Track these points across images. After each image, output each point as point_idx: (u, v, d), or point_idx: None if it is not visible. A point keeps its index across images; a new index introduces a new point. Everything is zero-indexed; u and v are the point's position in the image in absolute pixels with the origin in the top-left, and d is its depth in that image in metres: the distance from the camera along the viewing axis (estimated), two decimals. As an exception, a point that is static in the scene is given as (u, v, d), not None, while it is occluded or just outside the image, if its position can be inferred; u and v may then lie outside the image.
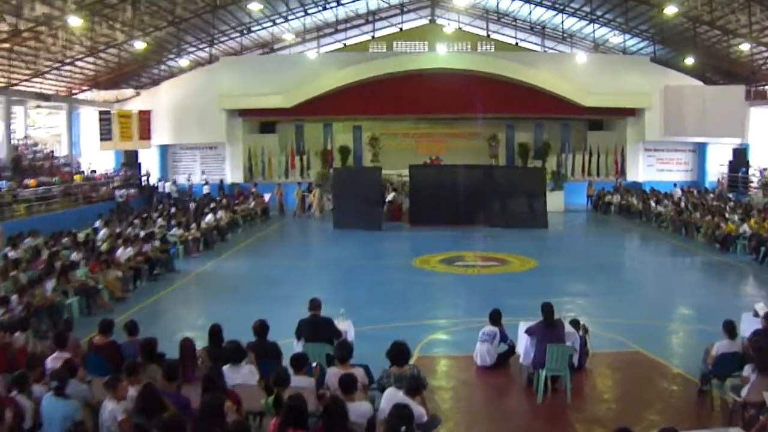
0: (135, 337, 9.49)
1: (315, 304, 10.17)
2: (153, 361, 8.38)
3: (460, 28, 45.30)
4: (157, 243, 19.58)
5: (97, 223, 22.25)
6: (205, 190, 35.99)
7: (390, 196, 30.13)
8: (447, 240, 24.31)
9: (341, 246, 24.03)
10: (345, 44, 45.82)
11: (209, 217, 24.58)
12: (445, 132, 41.48)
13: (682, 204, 27.99)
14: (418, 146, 41.17)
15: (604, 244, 24.85)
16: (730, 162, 36.33)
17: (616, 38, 38.69)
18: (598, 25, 38.54)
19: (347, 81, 36.06)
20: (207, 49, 38.39)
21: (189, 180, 37.75)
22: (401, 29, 46.24)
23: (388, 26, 46.00)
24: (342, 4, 39.81)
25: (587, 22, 38.79)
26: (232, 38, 39.29)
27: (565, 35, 41.56)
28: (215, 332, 9.02)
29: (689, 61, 34.55)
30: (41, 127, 39.69)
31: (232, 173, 38.44)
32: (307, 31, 42.87)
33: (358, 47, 44.94)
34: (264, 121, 40.21)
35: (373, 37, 46.11)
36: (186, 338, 8.58)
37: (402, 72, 36.14)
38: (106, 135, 34.38)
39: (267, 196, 33.05)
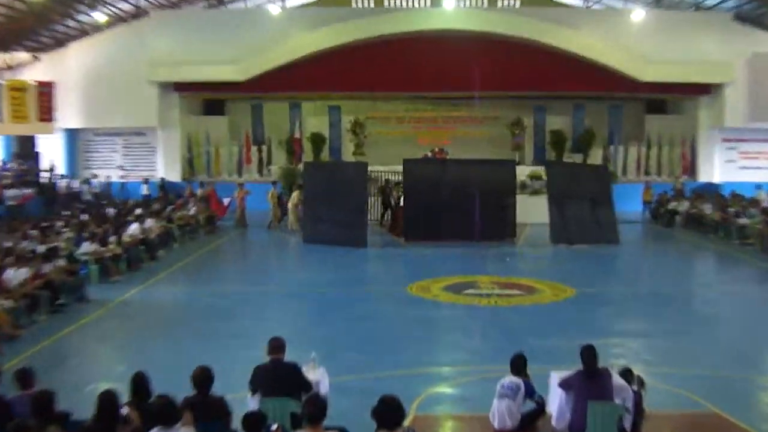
0: (30, 390, 9.41)
1: (276, 346, 10.09)
2: (51, 421, 8.29)
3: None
4: (62, 262, 19.43)
5: (-23, 236, 22.12)
6: (144, 190, 35.85)
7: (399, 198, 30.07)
8: (454, 260, 24.31)
9: (313, 267, 23.95)
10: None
11: (133, 228, 24.50)
12: (452, 116, 41.66)
13: (774, 213, 28.13)
14: (417, 135, 41.32)
15: (666, 266, 24.88)
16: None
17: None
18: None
19: (322, 46, 36.22)
20: None
21: (108, 177, 37.72)
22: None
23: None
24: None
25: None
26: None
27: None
28: (139, 383, 8.92)
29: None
30: None
31: (166, 168, 38.54)
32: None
33: (337, 1, 45.12)
34: (210, 98, 40.30)
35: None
36: (106, 391, 8.46)
37: (395, 35, 36.33)
38: (-10, 115, 34.33)
39: (226, 201, 33.01)
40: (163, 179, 37.51)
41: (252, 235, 30.77)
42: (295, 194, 31.45)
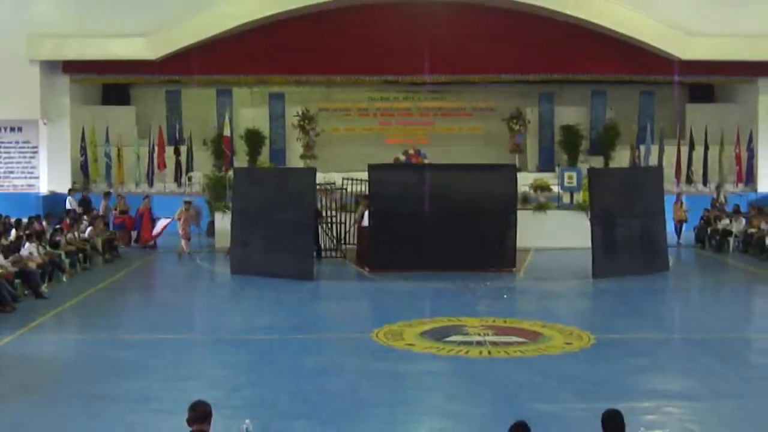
0: None
1: (200, 413, 9.94)
2: None
3: None
4: None
5: None
6: (70, 204, 35.29)
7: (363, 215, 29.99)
8: (434, 297, 24.35)
9: (245, 307, 23.84)
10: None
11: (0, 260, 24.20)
12: (431, 106, 41.90)
13: None
14: (385, 132, 41.40)
15: (717, 304, 25.00)
16: None
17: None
18: None
19: (259, 14, 36.25)
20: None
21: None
22: None
23: None
24: None
25: None
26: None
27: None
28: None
29: None
30: None
31: (52, 175, 38.20)
32: None
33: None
34: (110, 82, 40.17)
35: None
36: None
37: (357, 0, 36.27)
38: None
39: (162, 223, 32.72)
40: (79, 193, 36.76)
41: (164, 265, 30.56)
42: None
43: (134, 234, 34.37)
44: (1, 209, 33.65)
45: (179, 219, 31.90)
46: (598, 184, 28.41)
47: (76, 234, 30.05)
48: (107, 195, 35.06)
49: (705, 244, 33.53)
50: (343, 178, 32.81)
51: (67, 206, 35.02)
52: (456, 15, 36.25)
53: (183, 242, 31.76)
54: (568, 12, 35.95)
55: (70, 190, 36.17)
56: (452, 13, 36.25)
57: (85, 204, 35.57)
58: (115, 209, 34.52)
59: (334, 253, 30.82)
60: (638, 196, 28.28)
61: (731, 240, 32.85)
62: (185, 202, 32.70)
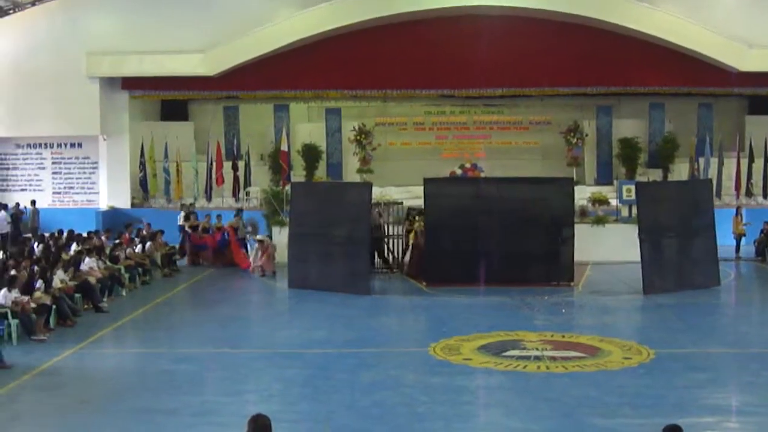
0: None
1: (260, 426, 9.97)
2: None
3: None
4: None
5: None
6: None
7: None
8: (491, 311, 24.22)
9: (303, 321, 23.83)
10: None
11: (59, 273, 24.33)
12: (487, 120, 41.92)
13: None
14: (441, 146, 41.42)
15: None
16: None
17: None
18: None
19: (316, 30, 36.41)
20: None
21: (32, 205, 37.59)
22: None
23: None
24: None
25: None
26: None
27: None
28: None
29: None
30: None
31: (111, 191, 38.54)
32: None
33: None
34: (169, 99, 40.45)
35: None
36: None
37: (412, 15, 36.46)
38: None
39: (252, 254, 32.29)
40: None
41: (222, 280, 30.65)
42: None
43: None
44: (62, 224, 34.04)
45: (261, 254, 31.20)
46: (647, 198, 27.99)
47: (133, 248, 30.25)
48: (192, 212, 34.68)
49: (765, 257, 33.11)
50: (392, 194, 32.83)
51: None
52: (511, 28, 36.18)
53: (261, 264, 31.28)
54: (625, 24, 35.78)
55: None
56: (508, 27, 36.17)
57: (15, 221, 35.60)
58: (191, 226, 33.87)
59: (392, 268, 30.73)
60: (688, 210, 28.04)
61: (792, 254, 32.50)
62: (259, 241, 31.79)
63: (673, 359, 19.36)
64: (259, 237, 31.68)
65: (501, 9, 36.00)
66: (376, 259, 30.26)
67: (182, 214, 34.17)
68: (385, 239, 30.68)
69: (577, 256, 28.38)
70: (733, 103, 40.53)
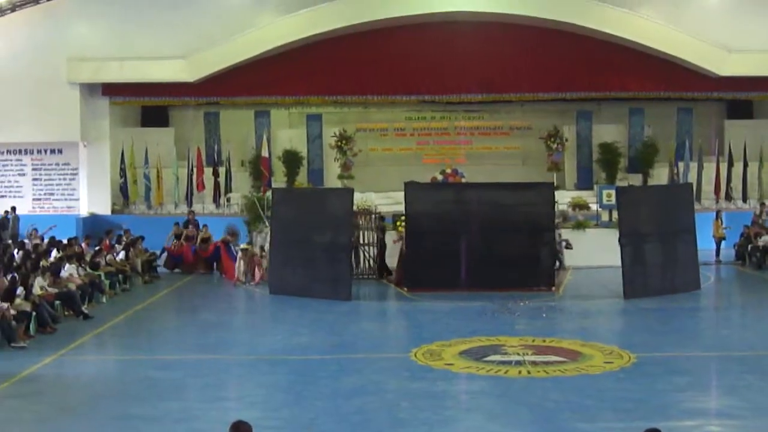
0: None
1: (239, 433, 9.98)
2: None
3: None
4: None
5: None
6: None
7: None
8: (472, 316, 24.18)
9: (284, 327, 23.83)
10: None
11: (39, 280, 24.24)
12: (468, 125, 41.97)
13: None
14: (422, 151, 41.43)
15: (756, 322, 24.72)
16: None
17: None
18: None
19: (297, 35, 36.49)
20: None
21: (12, 211, 37.43)
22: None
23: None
24: None
25: None
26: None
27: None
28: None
29: None
30: None
31: (92, 198, 38.49)
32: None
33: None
34: (149, 105, 40.36)
35: (342, -44, 46.47)
36: None
37: (393, 21, 36.49)
38: None
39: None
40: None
41: (204, 286, 30.59)
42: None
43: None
44: (42, 230, 33.93)
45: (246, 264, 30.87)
46: (627, 203, 28.08)
47: (113, 255, 30.18)
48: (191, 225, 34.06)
49: (745, 261, 33.23)
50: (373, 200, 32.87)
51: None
52: (492, 34, 36.25)
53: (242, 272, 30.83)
54: (605, 29, 35.86)
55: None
56: (488, 32, 36.23)
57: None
58: (182, 238, 33.28)
59: (372, 274, 30.72)
60: (668, 214, 28.03)
61: (773, 256, 32.60)
62: (242, 250, 31.20)
63: (655, 363, 19.39)
64: (242, 246, 31.46)
65: (481, 15, 36.05)
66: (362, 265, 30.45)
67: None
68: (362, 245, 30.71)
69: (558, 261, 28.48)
70: (713, 107, 40.66)
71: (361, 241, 30.47)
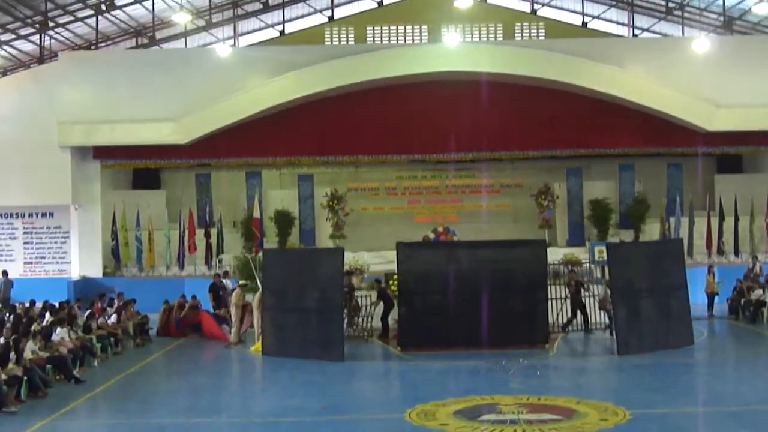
0: None
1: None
2: None
3: (483, 0, 46.18)
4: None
5: None
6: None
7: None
8: (466, 375, 24.12)
9: (276, 389, 23.76)
10: (282, 32, 46.45)
11: (30, 344, 24.10)
12: (459, 184, 42.17)
13: None
14: (414, 210, 41.49)
15: (751, 377, 24.65)
16: None
17: (763, 6, 39.11)
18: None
19: (287, 98, 36.64)
20: (35, 38, 38.68)
21: (3, 275, 37.37)
22: (380, 4, 47.05)
23: (358, -3, 46.74)
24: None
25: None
26: (80, 19, 39.64)
27: (671, 5, 42.41)
28: None
29: None
30: None
31: (83, 261, 38.41)
32: (216, 7, 43.53)
33: (305, 36, 45.75)
34: (141, 167, 40.39)
35: (331, 18, 46.85)
36: None
37: (383, 81, 36.73)
38: None
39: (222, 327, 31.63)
40: None
41: (196, 349, 30.46)
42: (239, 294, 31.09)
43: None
44: (33, 294, 33.77)
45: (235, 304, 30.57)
46: (619, 259, 27.97)
47: (104, 318, 30.07)
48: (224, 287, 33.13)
49: (738, 315, 33.16)
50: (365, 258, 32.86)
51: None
52: (481, 93, 36.32)
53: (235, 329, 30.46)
54: (594, 87, 36.06)
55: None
56: (477, 92, 36.31)
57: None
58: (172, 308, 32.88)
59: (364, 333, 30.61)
60: (660, 270, 27.97)
61: (765, 311, 32.41)
62: (240, 285, 31.13)
63: (650, 420, 19.28)
64: (240, 282, 31.16)
65: (470, 74, 36.25)
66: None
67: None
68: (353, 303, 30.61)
69: (551, 318, 28.38)
70: (703, 162, 40.76)
71: (353, 302, 30.42)
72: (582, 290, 30.38)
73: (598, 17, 47.56)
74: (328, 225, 40.37)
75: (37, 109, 36.57)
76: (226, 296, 31.91)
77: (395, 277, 29.45)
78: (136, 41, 44.15)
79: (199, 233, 39.52)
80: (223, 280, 33.45)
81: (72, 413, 21.06)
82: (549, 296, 29.01)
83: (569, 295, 30.49)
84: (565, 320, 30.28)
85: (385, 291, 30.44)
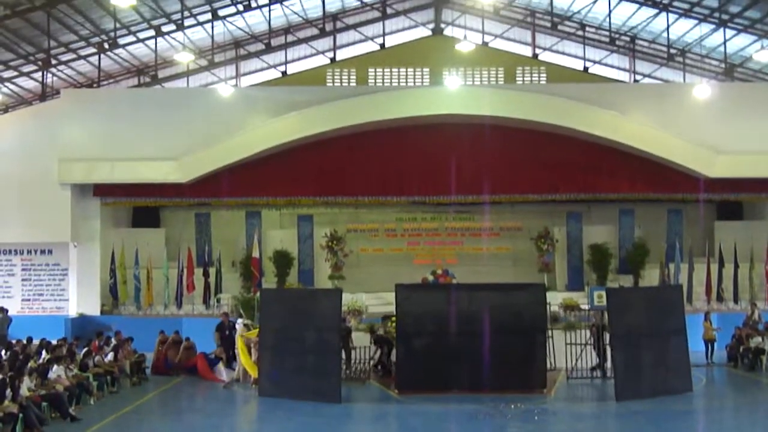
0: None
1: None
2: None
3: (485, 44, 46.38)
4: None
5: None
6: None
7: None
8: (464, 419, 23.98)
9: (272, 430, 23.78)
10: (284, 72, 46.56)
11: (26, 382, 23.99)
12: (458, 226, 42.19)
13: None
14: (413, 252, 41.47)
15: (750, 425, 24.56)
16: None
17: (764, 53, 39.23)
18: (733, 32, 39.43)
19: (288, 137, 36.73)
20: (37, 75, 38.73)
21: (3, 312, 37.24)
22: (382, 46, 47.14)
23: (361, 41, 46.94)
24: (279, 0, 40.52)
25: (712, 26, 39.72)
26: (83, 56, 39.74)
27: (672, 51, 42.49)
28: None
29: None
30: None
31: (81, 298, 38.29)
32: (219, 47, 43.61)
33: (307, 77, 45.87)
34: (141, 206, 40.35)
35: (333, 59, 46.97)
36: None
37: (383, 123, 36.85)
38: None
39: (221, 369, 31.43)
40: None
41: (192, 388, 30.32)
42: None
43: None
44: (30, 331, 33.64)
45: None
46: (618, 304, 27.84)
47: (101, 356, 29.94)
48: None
49: (737, 362, 33.01)
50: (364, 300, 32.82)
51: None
52: (481, 136, 36.43)
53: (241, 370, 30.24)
54: (594, 132, 36.09)
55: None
56: (478, 135, 36.42)
57: None
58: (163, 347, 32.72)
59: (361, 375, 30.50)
60: (659, 316, 27.88)
61: (764, 358, 32.31)
62: (245, 325, 30.71)
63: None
64: (245, 322, 30.88)
65: (471, 117, 36.32)
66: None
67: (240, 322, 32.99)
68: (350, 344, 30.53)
69: (550, 363, 28.27)
70: (703, 208, 40.77)
71: (351, 344, 30.33)
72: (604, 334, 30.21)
73: (599, 62, 47.72)
74: (327, 266, 40.35)
75: (38, 145, 36.58)
76: (233, 335, 31.69)
77: (393, 318, 29.38)
78: (139, 80, 44.32)
79: (198, 272, 39.41)
80: (231, 320, 33.13)
81: (66, 452, 21.03)
82: (568, 341, 29.41)
83: (591, 341, 30.36)
84: (593, 364, 30.11)
85: (381, 336, 30.37)
